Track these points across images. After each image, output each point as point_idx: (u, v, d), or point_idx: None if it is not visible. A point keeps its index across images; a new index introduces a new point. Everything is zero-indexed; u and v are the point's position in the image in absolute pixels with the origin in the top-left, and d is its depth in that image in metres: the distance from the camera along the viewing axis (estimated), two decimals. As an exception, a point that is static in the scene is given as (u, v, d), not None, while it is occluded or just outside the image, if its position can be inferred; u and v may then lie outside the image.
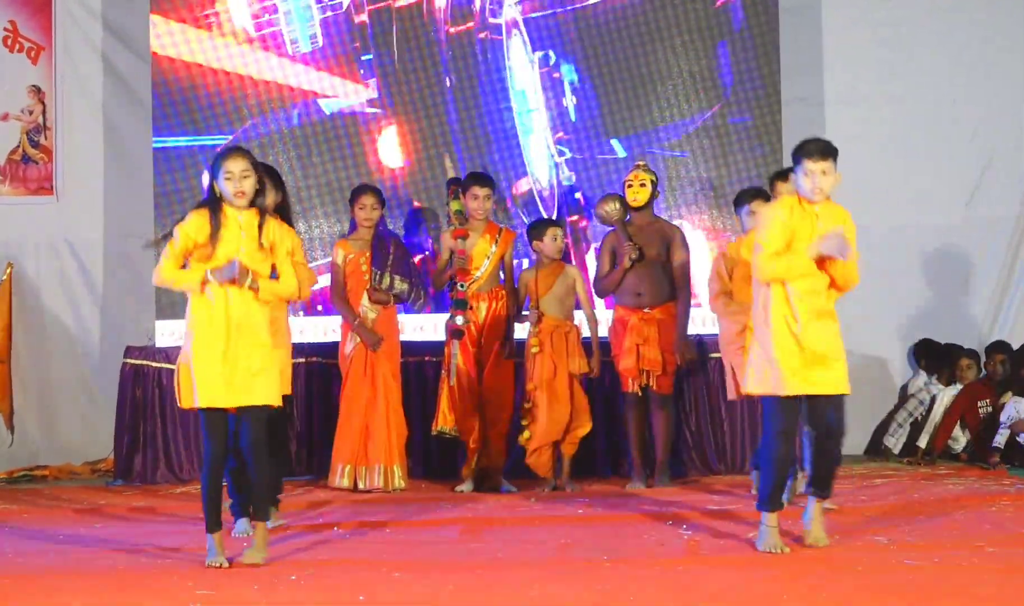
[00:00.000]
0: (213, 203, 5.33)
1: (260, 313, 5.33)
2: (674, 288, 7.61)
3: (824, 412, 5.48)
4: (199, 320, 5.28)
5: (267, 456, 5.35)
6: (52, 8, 9.31)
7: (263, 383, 5.30)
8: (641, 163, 7.87)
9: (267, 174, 6.15)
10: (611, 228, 7.72)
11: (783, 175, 6.88)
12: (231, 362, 5.23)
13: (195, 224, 5.30)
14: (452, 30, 8.72)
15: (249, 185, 5.30)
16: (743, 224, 7.00)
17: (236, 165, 5.29)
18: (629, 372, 7.53)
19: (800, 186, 5.55)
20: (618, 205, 7.68)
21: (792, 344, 5.41)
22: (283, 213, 6.29)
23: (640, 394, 7.57)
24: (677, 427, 7.94)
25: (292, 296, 5.60)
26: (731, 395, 6.99)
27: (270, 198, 6.10)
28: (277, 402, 5.41)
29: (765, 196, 6.89)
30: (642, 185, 7.68)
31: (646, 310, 7.51)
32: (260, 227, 5.35)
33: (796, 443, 5.96)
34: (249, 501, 5.63)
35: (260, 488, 5.36)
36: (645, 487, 7.50)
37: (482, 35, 8.75)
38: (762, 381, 5.45)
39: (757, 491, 5.88)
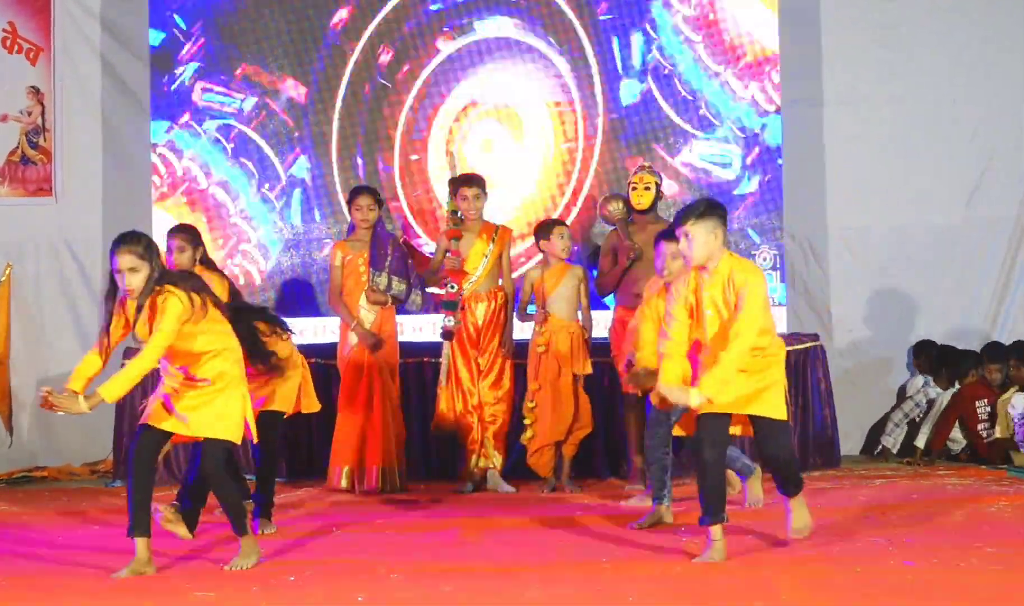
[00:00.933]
0: (113, 294, 5.24)
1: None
2: None
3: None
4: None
5: (226, 482, 5.32)
6: (51, 9, 9.33)
7: (203, 418, 5.22)
8: (646, 165, 7.86)
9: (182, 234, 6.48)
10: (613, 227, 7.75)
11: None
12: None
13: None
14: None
15: (137, 281, 5.13)
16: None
17: (121, 261, 5.15)
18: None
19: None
20: (621, 205, 7.70)
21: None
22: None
23: (640, 395, 7.56)
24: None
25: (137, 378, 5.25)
26: None
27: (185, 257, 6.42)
28: (221, 435, 5.25)
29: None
30: (647, 188, 7.66)
31: None
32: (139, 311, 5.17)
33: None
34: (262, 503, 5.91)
35: (228, 508, 5.33)
36: (644, 488, 7.49)
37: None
38: None
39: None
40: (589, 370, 7.61)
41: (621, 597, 4.54)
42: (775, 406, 5.32)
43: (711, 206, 5.31)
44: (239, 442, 5.39)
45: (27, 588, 4.95)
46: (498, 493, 7.52)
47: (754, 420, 5.36)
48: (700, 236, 5.22)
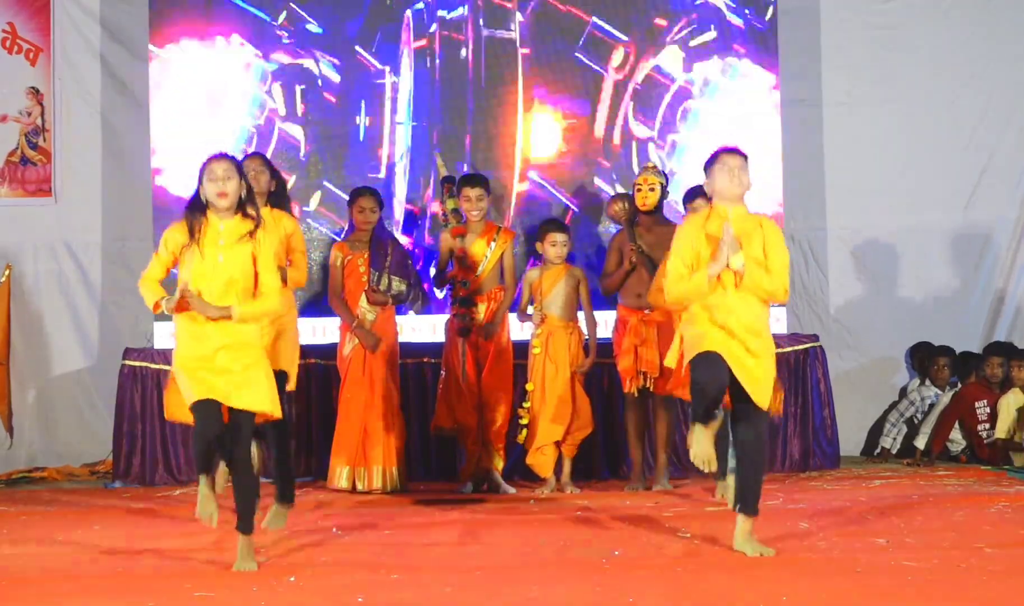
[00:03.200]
0: (195, 207, 5.25)
1: (243, 330, 5.23)
2: None
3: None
4: (182, 332, 5.26)
5: (251, 464, 5.31)
6: (51, 10, 9.32)
7: (249, 391, 5.19)
8: (651, 165, 7.83)
9: (258, 159, 6.33)
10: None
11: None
12: (216, 369, 5.16)
13: (173, 233, 5.25)
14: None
15: (232, 187, 5.20)
16: None
17: (219, 167, 5.21)
18: (627, 372, 7.52)
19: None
20: (626, 205, 7.70)
21: None
22: (278, 199, 6.34)
23: (637, 395, 7.56)
24: (677, 428, 7.93)
25: (274, 313, 5.44)
26: None
27: (263, 181, 6.23)
28: (265, 409, 5.23)
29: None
30: (651, 189, 7.63)
31: (647, 311, 7.47)
32: (249, 234, 5.23)
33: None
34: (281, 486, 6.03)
35: (250, 498, 5.28)
36: (644, 488, 7.50)
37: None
38: None
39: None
40: (586, 369, 7.61)
41: (621, 597, 4.54)
42: (763, 392, 5.28)
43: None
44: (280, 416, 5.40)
45: (27, 588, 4.94)
46: (498, 494, 7.52)
47: (736, 399, 5.34)
48: (746, 170, 5.40)
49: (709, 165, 5.46)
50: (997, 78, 9.33)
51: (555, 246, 7.67)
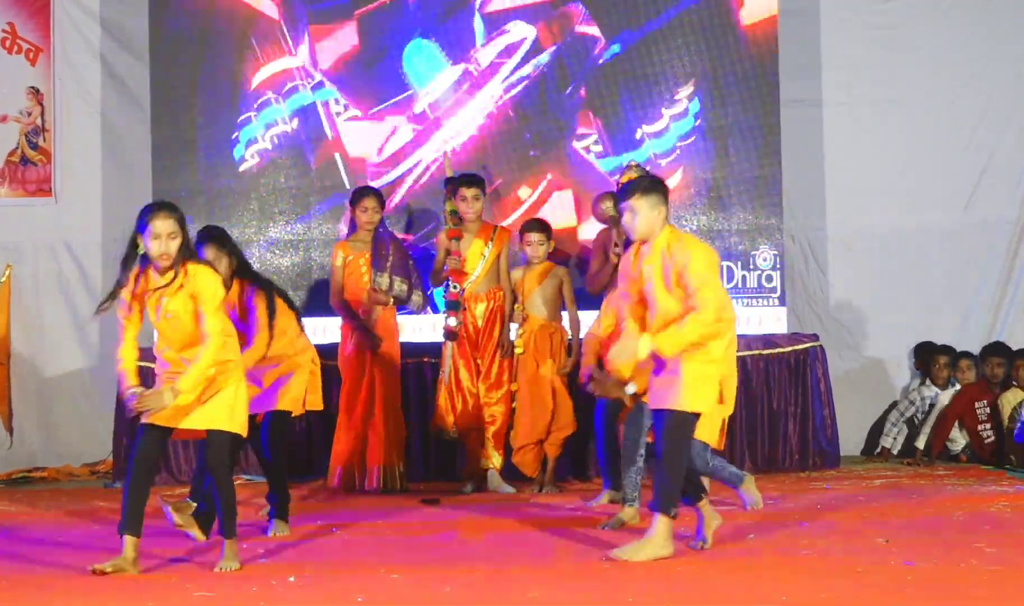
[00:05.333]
0: (132, 261, 5.22)
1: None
2: None
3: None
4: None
5: (228, 478, 5.35)
6: (51, 10, 9.32)
7: (211, 410, 5.25)
8: (633, 163, 7.68)
9: (214, 241, 6.00)
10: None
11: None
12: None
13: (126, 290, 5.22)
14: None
15: (175, 247, 5.14)
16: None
17: (163, 225, 5.14)
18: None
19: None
20: (612, 203, 7.59)
21: None
22: (244, 272, 6.10)
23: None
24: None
25: (214, 363, 5.23)
26: None
27: (223, 266, 5.91)
28: (228, 428, 5.27)
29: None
30: None
31: None
32: (179, 286, 5.18)
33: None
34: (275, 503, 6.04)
35: (224, 506, 5.31)
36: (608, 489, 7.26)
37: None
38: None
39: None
40: (569, 369, 7.58)
41: (621, 597, 4.54)
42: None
43: (654, 182, 5.48)
44: (245, 436, 5.40)
45: (27, 588, 4.94)
46: (498, 494, 7.52)
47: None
48: (643, 210, 5.34)
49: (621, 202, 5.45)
50: (997, 78, 9.33)
51: (531, 246, 7.67)
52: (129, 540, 5.16)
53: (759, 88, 8.70)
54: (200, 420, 5.26)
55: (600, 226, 7.93)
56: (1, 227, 9.23)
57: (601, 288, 7.64)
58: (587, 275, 7.80)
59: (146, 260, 5.23)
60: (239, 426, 5.32)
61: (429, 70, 8.80)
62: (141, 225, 5.21)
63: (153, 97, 8.83)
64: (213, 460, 5.31)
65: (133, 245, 5.24)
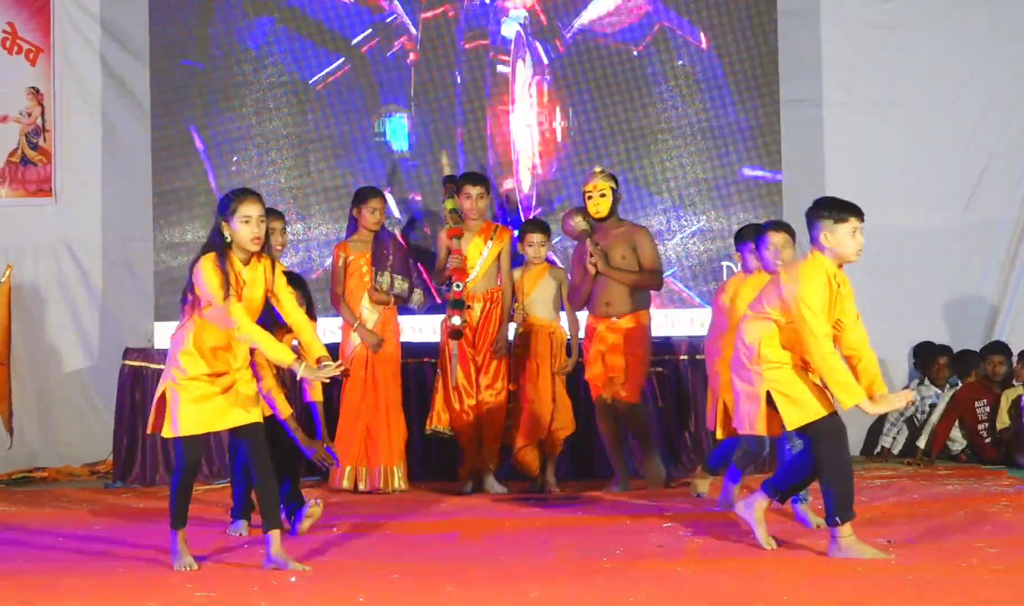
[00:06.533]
0: (220, 248, 5.18)
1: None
2: (647, 298, 7.52)
3: None
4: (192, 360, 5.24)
5: (268, 468, 5.32)
6: (51, 10, 9.32)
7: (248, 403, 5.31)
8: (598, 170, 7.59)
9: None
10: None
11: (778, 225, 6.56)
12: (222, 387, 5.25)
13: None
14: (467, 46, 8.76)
15: (264, 230, 5.22)
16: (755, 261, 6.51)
17: (254, 210, 5.18)
18: (596, 379, 7.43)
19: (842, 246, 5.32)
20: (581, 218, 7.49)
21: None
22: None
23: (609, 401, 7.43)
24: (677, 428, 7.93)
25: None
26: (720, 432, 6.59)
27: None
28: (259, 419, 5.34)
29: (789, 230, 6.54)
30: (602, 195, 7.41)
31: (614, 319, 7.38)
32: (268, 276, 5.28)
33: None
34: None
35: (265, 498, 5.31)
36: (625, 491, 7.36)
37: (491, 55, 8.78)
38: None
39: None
40: (569, 369, 7.58)
41: (621, 597, 4.54)
42: None
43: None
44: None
45: (28, 588, 4.94)
46: (492, 493, 7.48)
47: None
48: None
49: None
50: (997, 78, 9.33)
51: (532, 247, 7.67)
52: (181, 534, 5.25)
53: (759, 88, 8.69)
54: (243, 416, 5.27)
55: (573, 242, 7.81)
56: (1, 227, 9.23)
57: (583, 303, 7.54)
58: (569, 291, 7.66)
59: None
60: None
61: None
62: (226, 212, 5.19)
63: (153, 97, 8.83)
64: (259, 453, 5.27)
65: (219, 233, 5.20)
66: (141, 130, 8.99)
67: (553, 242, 8.04)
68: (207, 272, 5.12)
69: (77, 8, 9.32)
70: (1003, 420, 8.55)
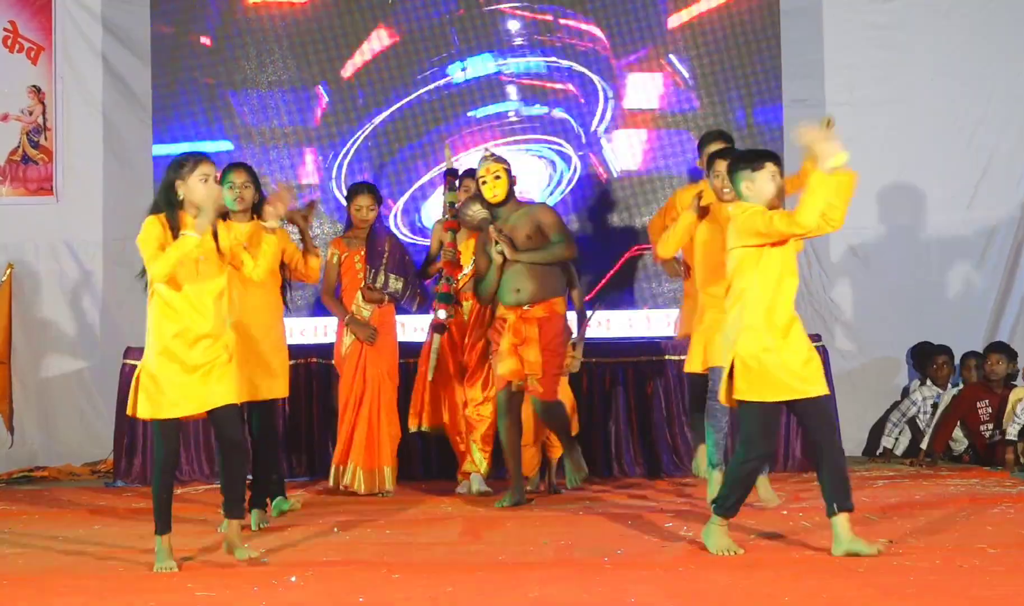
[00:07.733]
0: (169, 208, 5.29)
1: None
2: (562, 284, 7.06)
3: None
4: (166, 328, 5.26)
5: (242, 454, 5.49)
6: (52, 9, 9.32)
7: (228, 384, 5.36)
8: (488, 154, 7.14)
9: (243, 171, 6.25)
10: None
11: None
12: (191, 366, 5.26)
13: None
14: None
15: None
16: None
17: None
18: (513, 376, 6.89)
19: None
20: (479, 206, 7.12)
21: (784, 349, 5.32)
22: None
23: (511, 396, 6.97)
24: (678, 428, 7.93)
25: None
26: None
27: (248, 196, 6.18)
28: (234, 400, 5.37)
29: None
30: (496, 177, 6.94)
31: (526, 307, 6.91)
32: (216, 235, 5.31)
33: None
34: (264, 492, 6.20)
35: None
36: (520, 505, 6.92)
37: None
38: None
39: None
40: (574, 368, 7.39)
41: (621, 597, 4.54)
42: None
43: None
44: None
45: (27, 588, 4.94)
46: (476, 494, 7.37)
47: None
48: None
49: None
50: (998, 78, 9.33)
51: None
52: (166, 538, 5.27)
53: (760, 88, 8.69)
54: (218, 398, 5.30)
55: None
56: (2, 226, 9.23)
57: (494, 293, 7.03)
58: (475, 285, 7.26)
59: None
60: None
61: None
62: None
63: (154, 97, 8.83)
64: (237, 433, 5.38)
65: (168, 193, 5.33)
66: (142, 129, 8.99)
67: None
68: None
69: (78, 7, 9.31)
70: (1010, 420, 8.51)
